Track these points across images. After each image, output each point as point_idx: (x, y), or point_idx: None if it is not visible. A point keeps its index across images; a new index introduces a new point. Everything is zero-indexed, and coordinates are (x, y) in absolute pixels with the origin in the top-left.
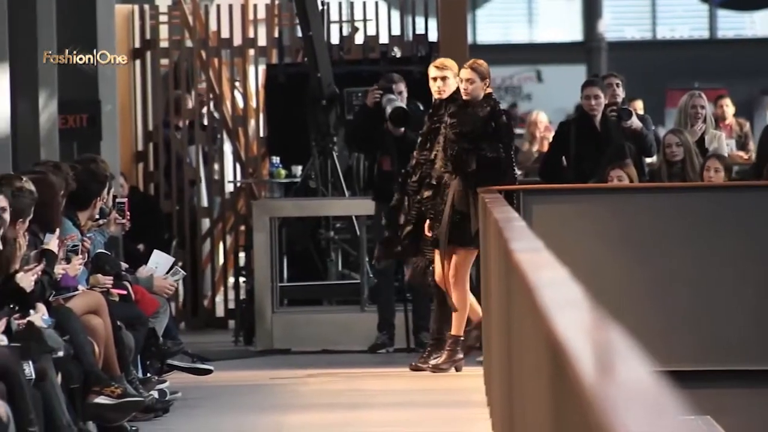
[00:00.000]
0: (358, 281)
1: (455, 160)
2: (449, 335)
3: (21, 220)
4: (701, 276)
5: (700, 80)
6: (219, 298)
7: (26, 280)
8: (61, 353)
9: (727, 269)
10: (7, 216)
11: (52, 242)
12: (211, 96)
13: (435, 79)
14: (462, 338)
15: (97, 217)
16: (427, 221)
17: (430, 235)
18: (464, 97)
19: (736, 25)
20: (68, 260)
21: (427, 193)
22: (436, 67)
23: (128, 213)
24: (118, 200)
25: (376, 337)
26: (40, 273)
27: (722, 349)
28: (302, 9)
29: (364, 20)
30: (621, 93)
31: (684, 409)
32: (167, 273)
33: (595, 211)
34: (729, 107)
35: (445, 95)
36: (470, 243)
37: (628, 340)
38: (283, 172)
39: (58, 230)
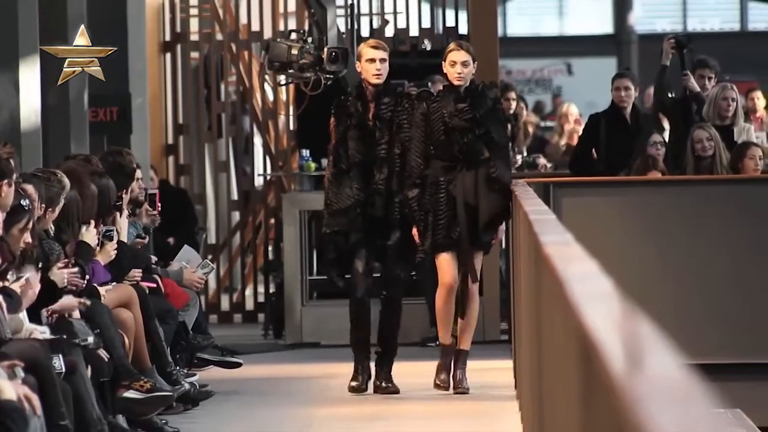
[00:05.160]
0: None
1: (469, 149)
2: (462, 351)
3: (51, 209)
4: (731, 269)
5: (731, 73)
6: (248, 292)
7: (59, 276)
8: (90, 339)
9: (757, 261)
10: (36, 205)
11: (88, 234)
12: (240, 89)
13: (373, 60)
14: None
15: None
16: (415, 227)
17: (419, 240)
18: (457, 82)
19: (767, 17)
20: (102, 246)
21: (411, 193)
22: (374, 47)
23: (159, 204)
24: (149, 191)
25: (430, 330)
26: (74, 271)
27: (752, 341)
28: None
29: (395, 13)
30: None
31: (713, 402)
32: (197, 267)
33: (626, 203)
34: (760, 100)
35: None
36: (487, 245)
37: (657, 334)
38: (312, 165)
39: (93, 222)
